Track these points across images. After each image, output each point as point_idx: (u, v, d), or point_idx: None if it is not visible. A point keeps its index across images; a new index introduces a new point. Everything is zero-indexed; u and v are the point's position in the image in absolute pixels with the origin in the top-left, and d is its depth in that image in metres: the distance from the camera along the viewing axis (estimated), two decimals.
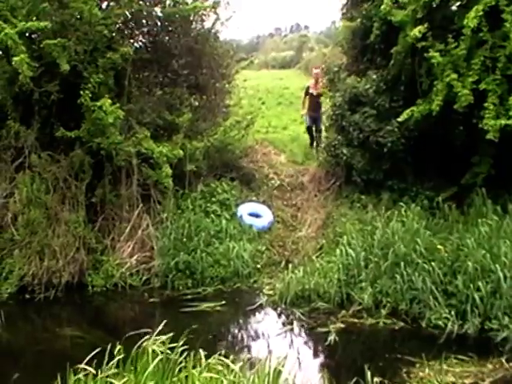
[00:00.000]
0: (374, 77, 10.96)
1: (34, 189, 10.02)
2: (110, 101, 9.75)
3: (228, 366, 4.72)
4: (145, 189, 10.51)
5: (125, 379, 4.45)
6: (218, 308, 8.36)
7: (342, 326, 7.50)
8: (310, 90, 13.72)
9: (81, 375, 4.55)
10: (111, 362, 4.68)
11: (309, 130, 14.25)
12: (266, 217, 11.05)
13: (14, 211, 9.96)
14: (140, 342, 4.89)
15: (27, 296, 9.14)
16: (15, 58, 9.28)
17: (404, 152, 10.47)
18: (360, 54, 12.09)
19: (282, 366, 4.98)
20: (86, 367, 4.54)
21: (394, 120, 10.31)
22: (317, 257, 9.26)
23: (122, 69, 10.58)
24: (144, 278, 9.71)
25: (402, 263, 8.01)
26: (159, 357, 4.71)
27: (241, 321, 8.50)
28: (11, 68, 9.69)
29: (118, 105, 9.88)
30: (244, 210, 10.90)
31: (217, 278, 9.49)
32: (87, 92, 9.70)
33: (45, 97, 10.14)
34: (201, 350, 4.88)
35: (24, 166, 10.24)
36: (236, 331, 8.08)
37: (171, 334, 5.01)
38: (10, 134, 10.25)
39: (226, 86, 13.54)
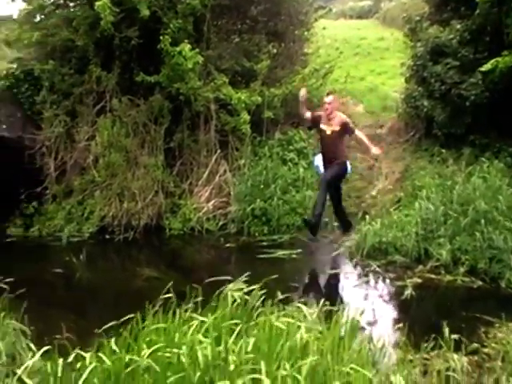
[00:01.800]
0: (458, 26, 10.38)
1: (115, 132, 10.27)
2: (189, 46, 9.75)
3: (304, 313, 4.72)
4: (222, 135, 10.57)
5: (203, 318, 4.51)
6: (294, 256, 8.31)
7: (419, 281, 7.34)
8: (322, 125, 8.43)
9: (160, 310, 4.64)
10: (189, 304, 4.75)
11: (323, 191, 8.43)
12: None
13: (96, 154, 10.27)
14: (220, 290, 4.92)
15: (107, 236, 9.50)
16: (98, 3, 9.40)
17: (487, 106, 9.95)
18: (443, 3, 11.53)
19: (360, 318, 4.95)
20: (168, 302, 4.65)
21: (477, 72, 9.78)
22: (394, 210, 9.06)
23: (201, 15, 10.54)
24: (220, 223, 9.85)
25: (483, 220, 7.69)
26: (237, 301, 4.75)
27: (317, 270, 8.49)
28: (93, 13, 9.83)
29: (197, 50, 9.88)
30: (320, 159, 10.74)
31: (293, 226, 9.46)
32: (167, 37, 9.72)
33: (125, 42, 10.26)
34: (279, 296, 4.90)
35: (105, 109, 10.51)
36: (312, 280, 8.10)
37: (245, 279, 5.04)
38: (92, 78, 10.50)
39: (305, 33, 13.23)
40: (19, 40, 11.06)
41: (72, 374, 3.99)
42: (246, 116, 10.13)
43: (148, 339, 4.21)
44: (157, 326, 4.38)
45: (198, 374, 3.68)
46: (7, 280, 5.34)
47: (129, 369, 3.83)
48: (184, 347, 3.91)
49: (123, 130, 10.30)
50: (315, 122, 8.51)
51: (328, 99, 8.30)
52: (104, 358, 3.93)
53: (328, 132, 8.30)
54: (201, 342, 3.98)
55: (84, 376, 3.72)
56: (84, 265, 8.59)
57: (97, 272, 8.50)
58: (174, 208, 10.11)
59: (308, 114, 8.51)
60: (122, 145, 10.21)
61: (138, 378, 3.81)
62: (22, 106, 10.65)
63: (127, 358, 3.91)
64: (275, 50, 11.82)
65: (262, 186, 9.87)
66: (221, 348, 3.90)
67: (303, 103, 8.35)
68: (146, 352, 3.93)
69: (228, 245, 9.19)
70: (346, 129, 8.28)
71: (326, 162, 8.51)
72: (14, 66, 10.59)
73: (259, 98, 10.40)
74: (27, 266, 8.15)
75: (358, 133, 8.55)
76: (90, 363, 3.91)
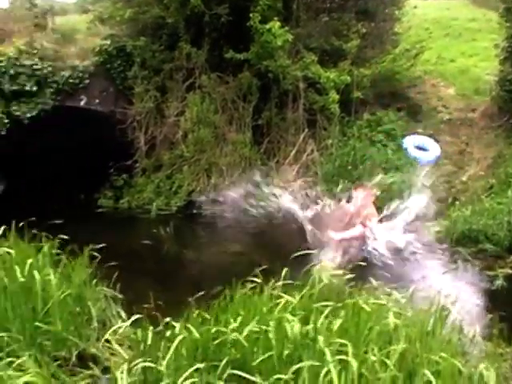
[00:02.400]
0: None
1: (204, 108, 10.42)
2: (278, 24, 9.70)
3: (392, 298, 4.66)
4: (311, 114, 10.51)
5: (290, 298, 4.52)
6: None
7: (511, 271, 7.10)
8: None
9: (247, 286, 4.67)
10: (278, 283, 4.75)
11: None
12: (433, 151, 10.56)
13: (185, 129, 10.47)
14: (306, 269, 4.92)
15: (194, 211, 9.68)
16: None
17: None
18: None
19: (450, 306, 4.82)
20: (254, 279, 4.68)
21: None
22: (486, 197, 8.74)
23: None
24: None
25: None
26: (324, 282, 4.73)
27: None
28: None
29: (286, 28, 9.83)
30: (410, 142, 10.52)
31: None
32: (256, 15, 9.71)
33: (215, 19, 10.33)
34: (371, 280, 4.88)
35: (194, 86, 10.66)
36: (399, 264, 7.94)
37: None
38: (182, 55, 10.65)
39: (396, 12, 12.84)
40: (112, 17, 11.35)
41: (161, 342, 4.12)
42: (334, 95, 10.04)
43: (235, 314, 4.26)
44: (244, 302, 4.43)
45: (287, 351, 3.70)
46: (98, 247, 5.50)
47: (217, 341, 3.91)
48: (272, 323, 3.94)
49: (212, 107, 10.44)
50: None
51: (361, 193, 6.61)
52: (192, 328, 4.03)
53: None
54: (288, 321, 3.98)
55: (174, 345, 3.83)
56: (171, 238, 8.80)
57: (184, 245, 8.67)
58: None
59: None
60: (210, 121, 10.36)
61: (225, 351, 3.88)
62: (114, 81, 10.95)
63: (215, 329, 3.98)
64: (365, 29, 11.56)
65: (349, 167, 9.75)
66: (309, 327, 3.90)
67: None
68: (233, 326, 4.01)
69: None
70: None
71: None
72: (107, 42, 10.89)
73: (348, 78, 10.27)
74: (117, 236, 8.44)
75: None
76: (180, 333, 4.02)
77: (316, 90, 10.36)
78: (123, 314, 5.29)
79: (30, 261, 5.03)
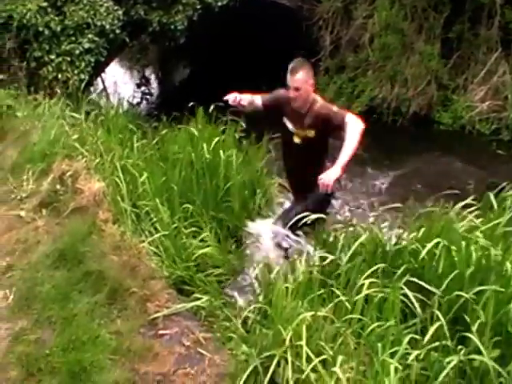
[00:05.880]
0: None
1: (393, 14, 10.21)
2: None
3: None
4: (506, 33, 9.99)
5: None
6: None
7: None
8: (287, 123, 4.60)
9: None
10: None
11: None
12: None
13: (372, 33, 10.35)
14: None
15: (374, 116, 9.77)
16: None
17: None
18: None
19: None
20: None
21: None
22: None
23: None
24: (493, 127, 9.38)
25: None
26: None
27: None
28: None
29: None
30: None
31: None
32: None
33: None
34: None
35: None
36: None
37: None
38: None
39: None
40: None
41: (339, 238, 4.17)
42: None
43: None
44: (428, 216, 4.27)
45: (470, 270, 3.53)
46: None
47: (396, 247, 3.87)
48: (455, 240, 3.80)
49: (401, 13, 10.18)
50: (275, 108, 4.66)
51: (296, 78, 4.32)
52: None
53: (296, 140, 4.53)
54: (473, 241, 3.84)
55: (355, 244, 3.84)
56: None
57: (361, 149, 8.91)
58: (446, 102, 9.89)
59: (258, 102, 4.67)
60: (398, 27, 10.17)
61: (403, 258, 3.77)
62: None
63: None
64: None
65: None
66: (497, 251, 3.70)
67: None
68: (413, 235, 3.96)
69: (499, 151, 8.84)
70: (329, 128, 4.40)
71: (293, 189, 5.06)
72: None
73: None
74: None
75: (350, 123, 4.24)
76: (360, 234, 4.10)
77: None
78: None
79: (216, 139, 5.40)
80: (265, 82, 10.41)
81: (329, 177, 3.96)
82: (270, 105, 4.65)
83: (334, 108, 4.48)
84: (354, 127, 4.19)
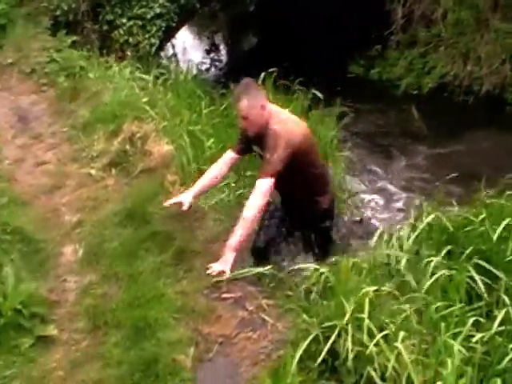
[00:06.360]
0: None
1: None
2: None
3: None
4: None
5: None
6: None
7: None
8: (260, 152, 3.88)
9: None
10: None
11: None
12: None
13: (445, 7, 9.97)
14: None
15: (445, 94, 9.55)
16: None
17: None
18: None
19: None
20: None
21: None
22: None
23: None
24: None
25: None
26: None
27: None
28: None
29: None
30: None
31: None
32: None
33: None
34: None
35: None
36: None
37: None
38: None
39: None
40: None
41: None
42: None
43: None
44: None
45: None
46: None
47: (466, 229, 3.73)
48: None
49: None
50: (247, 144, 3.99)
51: (241, 107, 3.69)
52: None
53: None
54: None
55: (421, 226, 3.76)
56: (419, 117, 8.92)
57: (431, 127, 8.74)
58: None
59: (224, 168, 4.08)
60: (473, 3, 9.82)
61: (471, 240, 3.62)
62: None
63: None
64: None
65: None
66: None
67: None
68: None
69: None
70: None
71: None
72: None
73: None
74: (363, 104, 8.73)
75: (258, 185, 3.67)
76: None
77: None
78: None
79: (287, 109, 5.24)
80: (333, 53, 10.47)
81: (215, 268, 3.52)
82: (242, 147, 3.99)
83: (281, 131, 3.63)
84: (258, 191, 3.59)
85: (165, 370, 2.97)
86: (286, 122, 3.73)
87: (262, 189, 3.59)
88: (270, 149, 3.59)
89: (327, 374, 2.85)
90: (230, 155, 4.00)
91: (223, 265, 3.51)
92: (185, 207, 3.93)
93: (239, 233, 3.53)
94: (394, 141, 7.95)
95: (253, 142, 3.85)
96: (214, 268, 3.53)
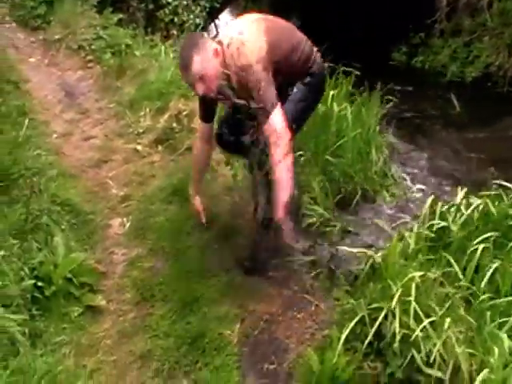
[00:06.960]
0: None
1: None
2: None
3: None
4: None
5: None
6: None
7: None
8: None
9: None
10: None
11: None
12: None
13: None
14: None
15: (489, 84, 9.46)
16: None
17: None
18: None
19: None
20: None
21: None
22: None
23: None
24: None
25: None
26: None
27: None
28: None
29: None
30: None
31: None
32: None
33: None
34: None
35: None
36: None
37: None
38: None
39: None
40: None
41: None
42: None
43: None
44: None
45: None
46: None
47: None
48: None
49: None
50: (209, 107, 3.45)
51: (193, 73, 2.99)
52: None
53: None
54: None
55: (467, 212, 3.70)
56: (459, 107, 8.77)
57: (471, 118, 8.61)
58: None
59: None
60: None
61: None
62: None
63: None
64: None
65: None
66: None
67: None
68: None
69: None
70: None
71: None
72: None
73: None
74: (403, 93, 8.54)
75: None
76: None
77: None
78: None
79: (331, 92, 5.12)
80: (375, 40, 10.35)
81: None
82: (208, 112, 3.48)
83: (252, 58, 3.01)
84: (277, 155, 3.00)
85: (211, 344, 3.03)
86: (244, 47, 3.01)
87: (282, 135, 2.98)
88: (253, 85, 3.00)
89: (372, 355, 2.86)
90: (204, 129, 3.51)
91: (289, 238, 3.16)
92: (203, 219, 3.66)
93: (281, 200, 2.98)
94: (436, 128, 7.85)
95: (224, 99, 3.20)
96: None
